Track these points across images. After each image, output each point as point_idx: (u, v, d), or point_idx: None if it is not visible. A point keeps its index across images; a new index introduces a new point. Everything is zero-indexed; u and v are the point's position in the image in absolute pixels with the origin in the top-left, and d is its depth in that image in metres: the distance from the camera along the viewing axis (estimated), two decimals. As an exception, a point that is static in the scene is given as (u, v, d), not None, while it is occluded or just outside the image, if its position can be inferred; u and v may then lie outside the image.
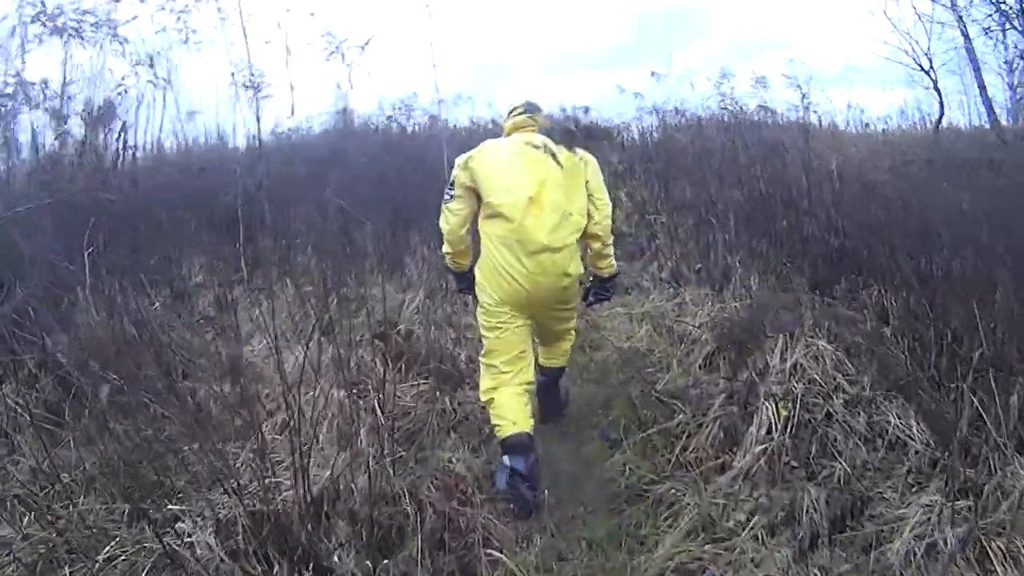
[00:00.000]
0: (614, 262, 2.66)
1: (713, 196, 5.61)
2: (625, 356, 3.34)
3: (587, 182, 2.43)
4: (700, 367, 3.20)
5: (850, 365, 2.83)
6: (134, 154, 6.23)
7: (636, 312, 3.91)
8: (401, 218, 4.87)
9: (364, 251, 4.47)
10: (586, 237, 2.50)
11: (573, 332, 2.79)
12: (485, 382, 2.45)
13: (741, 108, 7.72)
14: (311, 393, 2.55)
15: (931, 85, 9.09)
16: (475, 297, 2.52)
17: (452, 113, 8.94)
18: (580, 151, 2.48)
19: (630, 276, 4.89)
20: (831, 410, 2.53)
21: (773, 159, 6.44)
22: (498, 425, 2.35)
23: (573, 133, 2.79)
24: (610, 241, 2.59)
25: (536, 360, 2.64)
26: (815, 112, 8.11)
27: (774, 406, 2.57)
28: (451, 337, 3.60)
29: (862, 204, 4.57)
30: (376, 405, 2.56)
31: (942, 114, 9.03)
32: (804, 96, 7.64)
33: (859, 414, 2.49)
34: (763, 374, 2.86)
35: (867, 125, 9.58)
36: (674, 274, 4.75)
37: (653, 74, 7.94)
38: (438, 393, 2.83)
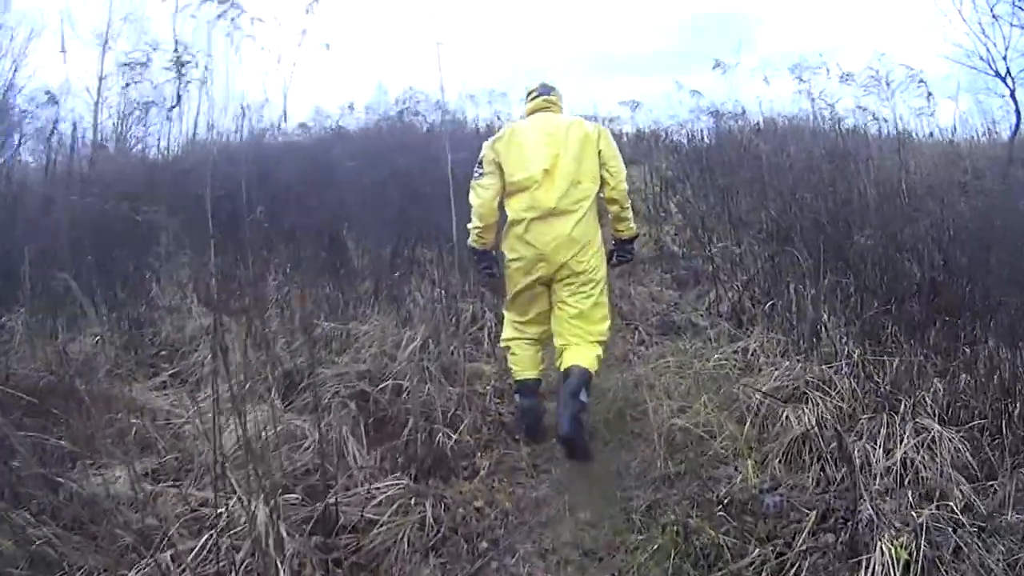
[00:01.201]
0: (633, 225, 2.85)
1: (782, 214, 4.72)
2: (676, 440, 2.48)
3: (600, 152, 2.62)
4: (780, 460, 2.34)
5: (973, 463, 2.19)
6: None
7: (691, 369, 3.03)
8: (406, 233, 4.10)
9: (359, 274, 3.72)
10: (605, 202, 2.71)
11: (604, 339, 2.73)
12: (506, 331, 2.84)
13: (830, 110, 6.54)
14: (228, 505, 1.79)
15: (1008, 93, 7.86)
16: (492, 276, 2.90)
17: (484, 110, 8.29)
18: (594, 123, 2.73)
19: (682, 310, 4.03)
20: (961, 542, 1.81)
21: (843, 171, 5.55)
22: (513, 368, 2.77)
23: None
24: (627, 204, 2.75)
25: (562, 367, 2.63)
26: (882, 119, 6.99)
27: (891, 548, 1.80)
28: (453, 395, 2.81)
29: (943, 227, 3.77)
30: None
31: (1019, 124, 7.78)
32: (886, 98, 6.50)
33: (995, 546, 1.80)
34: (864, 470, 2.14)
35: (931, 134, 8.38)
36: (736, 310, 3.87)
37: (717, 64, 6.74)
38: (413, 501, 2.03)
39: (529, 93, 2.83)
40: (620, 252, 2.91)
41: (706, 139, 7.65)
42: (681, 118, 7.93)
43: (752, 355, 3.26)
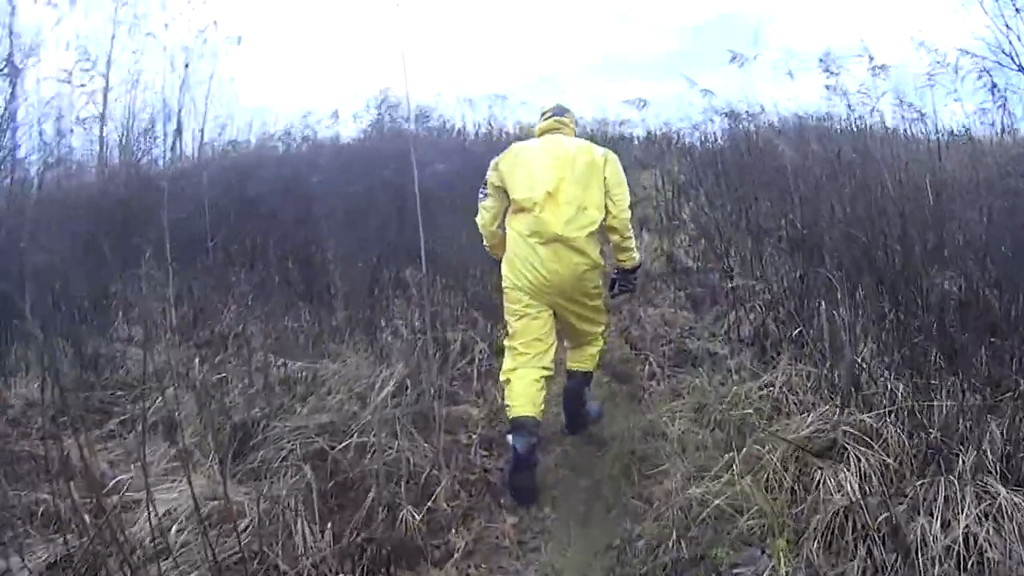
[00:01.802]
0: (635, 255, 2.76)
1: (808, 224, 4.28)
2: (692, 511, 2.05)
3: (605, 178, 2.54)
4: (817, 543, 1.91)
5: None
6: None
7: (709, 414, 2.60)
8: (389, 252, 3.71)
9: (333, 301, 3.33)
10: (606, 230, 2.60)
11: (600, 339, 2.82)
12: (506, 363, 2.57)
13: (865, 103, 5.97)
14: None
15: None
16: None
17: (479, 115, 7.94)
18: (603, 149, 2.61)
19: (698, 335, 3.59)
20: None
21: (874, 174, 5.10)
22: (508, 405, 2.46)
23: None
24: (629, 235, 2.66)
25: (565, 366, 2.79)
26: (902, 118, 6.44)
27: None
28: (428, 452, 2.41)
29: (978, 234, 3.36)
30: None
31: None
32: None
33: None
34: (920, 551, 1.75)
35: (952, 133, 7.79)
36: (759, 335, 3.43)
37: (734, 57, 6.14)
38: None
39: (543, 113, 2.80)
40: (623, 282, 2.82)
41: (720, 141, 7.17)
42: (693, 120, 7.47)
43: (780, 392, 2.82)
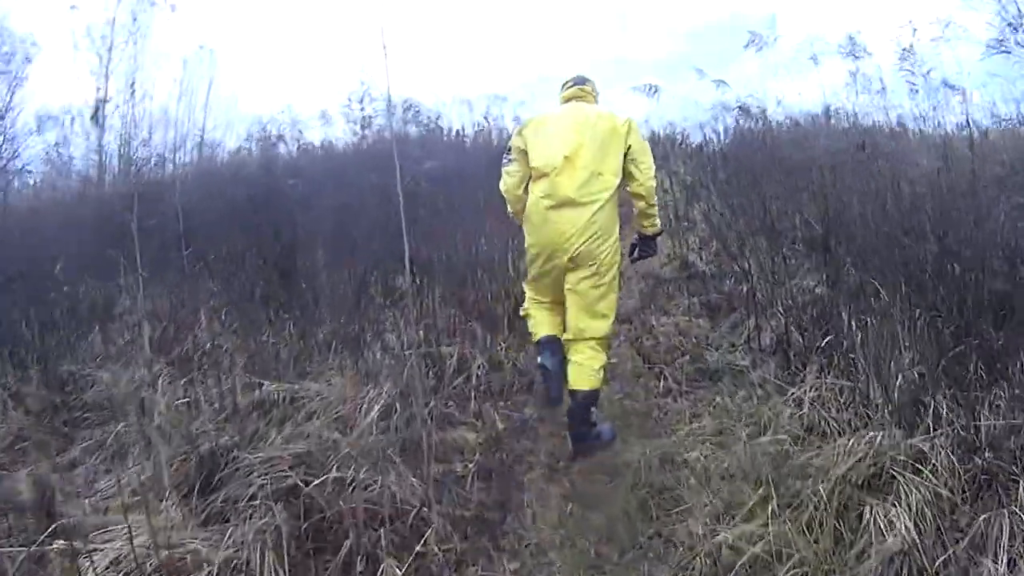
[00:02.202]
0: (658, 221, 2.79)
1: (827, 221, 4.00)
2: (722, 557, 1.77)
3: (629, 147, 2.56)
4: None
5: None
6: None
7: (734, 439, 2.31)
8: (376, 263, 3.44)
9: (313, 318, 3.05)
10: (632, 196, 2.66)
11: (604, 351, 2.66)
12: (526, 302, 2.83)
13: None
14: None
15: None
16: None
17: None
18: (625, 116, 2.62)
19: (716, 346, 3.30)
20: None
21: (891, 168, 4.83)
22: (533, 332, 2.76)
23: None
24: (654, 201, 2.70)
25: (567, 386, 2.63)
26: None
27: None
28: (416, 486, 2.13)
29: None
30: None
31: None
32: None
33: None
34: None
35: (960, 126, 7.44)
36: (781, 344, 3.14)
37: (751, 40, 5.73)
38: None
39: (564, 84, 2.80)
40: (643, 247, 2.87)
41: (732, 136, 6.89)
42: (700, 119, 7.20)
43: (810, 408, 2.54)
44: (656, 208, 2.75)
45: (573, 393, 2.55)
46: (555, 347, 2.64)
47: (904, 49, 5.34)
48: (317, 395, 2.63)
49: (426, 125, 6.74)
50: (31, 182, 5.96)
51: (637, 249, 2.87)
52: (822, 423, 2.43)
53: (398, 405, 2.57)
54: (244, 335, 2.79)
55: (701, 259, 4.45)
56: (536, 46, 16.71)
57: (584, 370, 2.56)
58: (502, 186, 2.78)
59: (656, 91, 4.44)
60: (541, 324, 2.73)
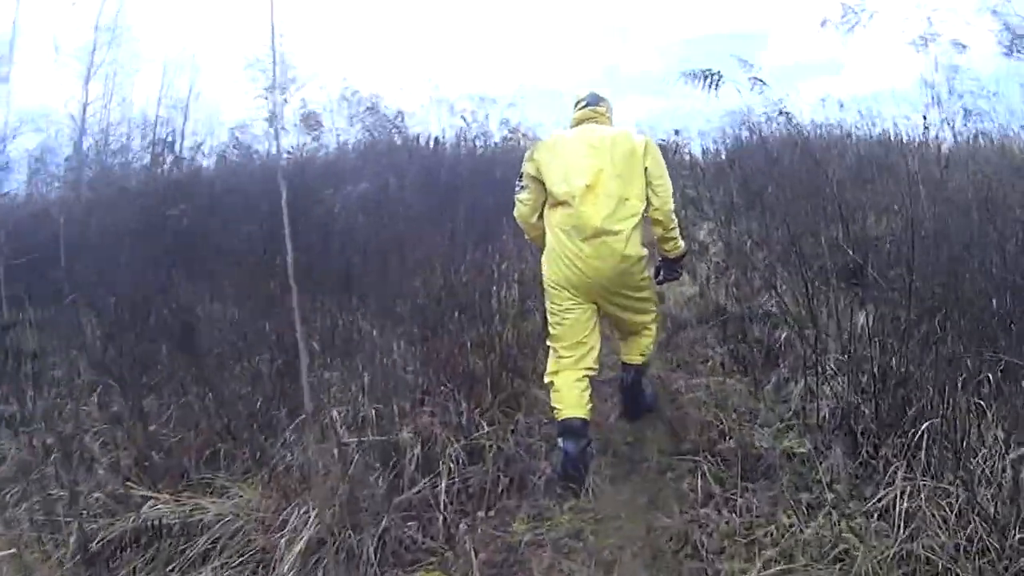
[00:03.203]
0: (680, 243, 2.65)
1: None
2: None
3: (647, 169, 2.42)
4: None
5: None
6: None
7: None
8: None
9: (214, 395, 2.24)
10: (650, 223, 2.51)
11: (653, 327, 2.68)
12: (550, 365, 2.51)
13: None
14: None
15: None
16: None
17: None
18: (641, 135, 2.49)
19: (764, 421, 2.56)
20: None
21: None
22: (556, 408, 2.42)
23: None
24: (673, 225, 2.55)
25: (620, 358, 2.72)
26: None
27: None
28: None
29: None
30: None
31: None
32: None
33: None
34: None
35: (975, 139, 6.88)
36: (846, 417, 2.42)
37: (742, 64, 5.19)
38: None
39: (577, 103, 2.65)
40: (668, 270, 2.75)
41: (747, 144, 6.22)
42: (701, 128, 6.51)
43: (905, 524, 1.83)
44: (677, 231, 2.59)
45: (627, 367, 2.64)
46: (581, 431, 2.35)
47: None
48: (217, 520, 1.83)
49: (390, 128, 5.75)
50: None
51: (662, 272, 2.74)
52: (930, 556, 1.71)
53: (335, 531, 1.79)
54: (124, 423, 1.97)
55: (721, 291, 3.71)
56: (527, 55, 16.15)
57: (637, 346, 2.62)
58: (516, 214, 2.63)
59: (718, 80, 3.43)
60: (568, 399, 2.40)
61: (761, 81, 3.48)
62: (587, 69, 17.59)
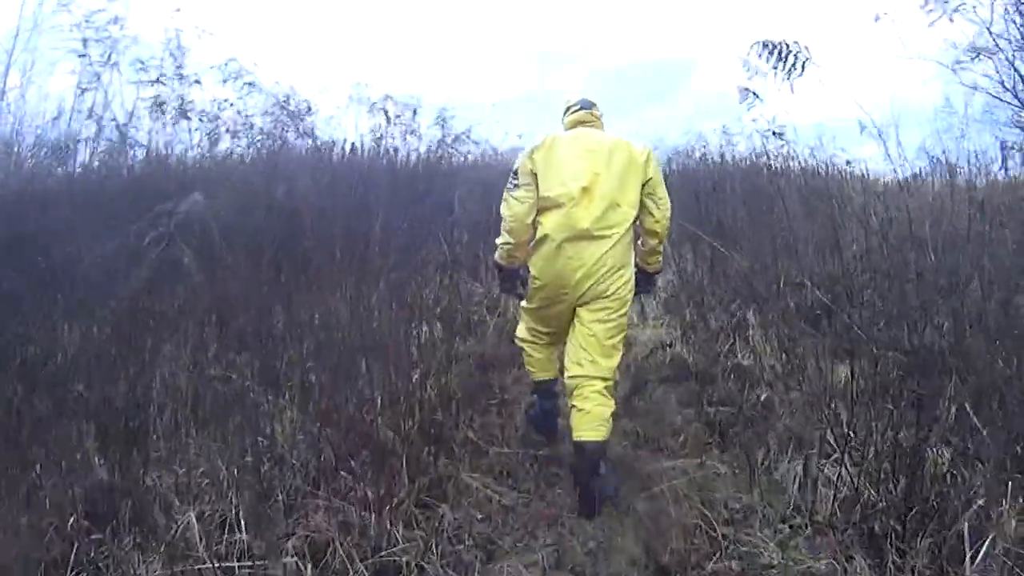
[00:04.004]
0: (660, 259, 2.58)
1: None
2: None
3: (649, 179, 2.35)
4: None
5: None
6: None
7: None
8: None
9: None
10: (645, 233, 2.45)
11: (608, 391, 2.28)
12: (520, 330, 2.58)
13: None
14: None
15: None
16: (517, 296, 2.56)
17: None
18: (642, 145, 2.41)
19: (761, 522, 1.99)
20: None
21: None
22: (530, 370, 2.59)
23: None
24: (665, 238, 2.52)
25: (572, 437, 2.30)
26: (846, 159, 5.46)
27: None
28: None
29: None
30: None
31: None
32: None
33: None
34: None
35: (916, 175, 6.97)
36: (866, 517, 1.90)
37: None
38: None
39: (569, 107, 2.57)
40: (642, 282, 2.56)
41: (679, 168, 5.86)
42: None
43: None
44: (663, 246, 2.56)
45: (581, 447, 2.21)
46: (554, 389, 2.55)
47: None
48: None
49: (291, 128, 4.83)
50: None
51: (638, 283, 2.54)
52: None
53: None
54: None
55: (680, 341, 3.18)
56: (448, 78, 15.55)
57: (594, 419, 2.24)
58: (506, 212, 2.37)
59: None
60: (538, 364, 2.56)
61: (754, 93, 3.00)
62: (512, 89, 17.27)
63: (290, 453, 2.13)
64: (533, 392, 2.61)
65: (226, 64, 4.60)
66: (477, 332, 3.41)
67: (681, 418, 2.56)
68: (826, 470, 2.14)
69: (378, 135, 4.79)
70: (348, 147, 5.31)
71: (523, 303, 2.50)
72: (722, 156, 5.43)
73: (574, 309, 2.35)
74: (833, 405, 2.44)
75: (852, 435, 2.28)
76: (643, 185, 2.32)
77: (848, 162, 5.23)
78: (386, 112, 4.63)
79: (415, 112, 4.89)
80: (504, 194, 2.38)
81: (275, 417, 2.24)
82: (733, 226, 4.40)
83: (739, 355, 3.11)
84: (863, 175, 5.47)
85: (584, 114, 2.50)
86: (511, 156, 5.73)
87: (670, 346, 3.12)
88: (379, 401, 2.34)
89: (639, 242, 2.47)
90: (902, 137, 6.15)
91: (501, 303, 3.63)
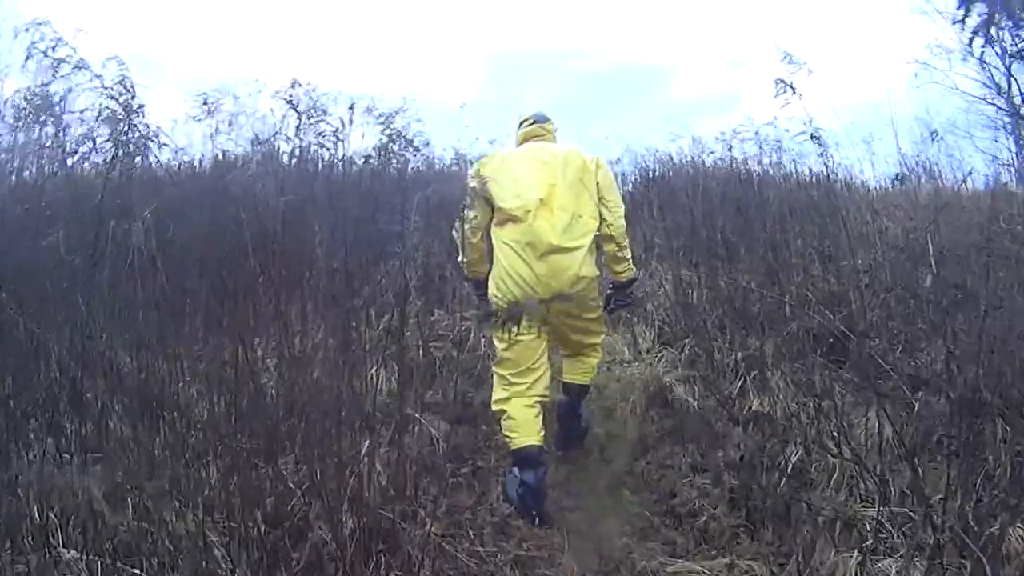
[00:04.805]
0: (632, 266, 2.52)
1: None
2: None
3: (598, 184, 2.36)
4: None
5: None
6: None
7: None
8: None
9: None
10: (601, 240, 2.40)
11: (599, 348, 2.55)
12: (497, 392, 2.33)
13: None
14: None
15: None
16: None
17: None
18: (591, 153, 2.44)
19: None
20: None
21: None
22: (509, 437, 2.24)
23: None
24: (625, 243, 2.45)
25: (561, 378, 2.51)
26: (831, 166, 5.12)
27: None
28: None
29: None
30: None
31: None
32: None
33: None
34: None
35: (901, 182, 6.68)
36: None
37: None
38: None
39: (523, 121, 2.56)
40: (618, 297, 2.55)
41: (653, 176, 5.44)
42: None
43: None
44: (628, 251, 2.47)
45: (567, 387, 2.43)
46: (538, 459, 2.17)
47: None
48: None
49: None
50: None
51: (613, 300, 2.56)
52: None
53: None
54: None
55: (688, 384, 2.69)
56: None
57: (583, 365, 2.44)
58: (456, 234, 2.41)
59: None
60: (520, 428, 2.20)
61: (792, 88, 2.60)
62: (484, 93, 16.94)
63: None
64: (513, 465, 2.18)
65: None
66: (442, 373, 2.87)
67: (696, 492, 2.05)
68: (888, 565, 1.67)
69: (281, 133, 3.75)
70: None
71: (494, 366, 2.34)
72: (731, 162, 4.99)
73: (546, 330, 2.30)
74: (880, 471, 1.99)
75: (912, 515, 1.84)
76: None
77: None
78: (291, 102, 3.44)
79: (352, 110, 3.65)
80: (458, 218, 2.36)
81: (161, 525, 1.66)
82: (729, 241, 3.96)
83: (752, 396, 2.65)
84: (848, 181, 5.12)
85: (536, 128, 2.50)
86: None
87: (671, 390, 2.62)
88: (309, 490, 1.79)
89: (603, 254, 2.43)
90: (882, 142, 5.89)
91: (471, 337, 3.09)
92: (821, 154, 3.16)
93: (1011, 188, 6.13)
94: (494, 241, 2.33)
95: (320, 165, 3.91)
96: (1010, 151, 7.77)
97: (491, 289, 2.33)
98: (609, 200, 2.35)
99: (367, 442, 1.90)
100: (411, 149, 3.42)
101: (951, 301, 3.51)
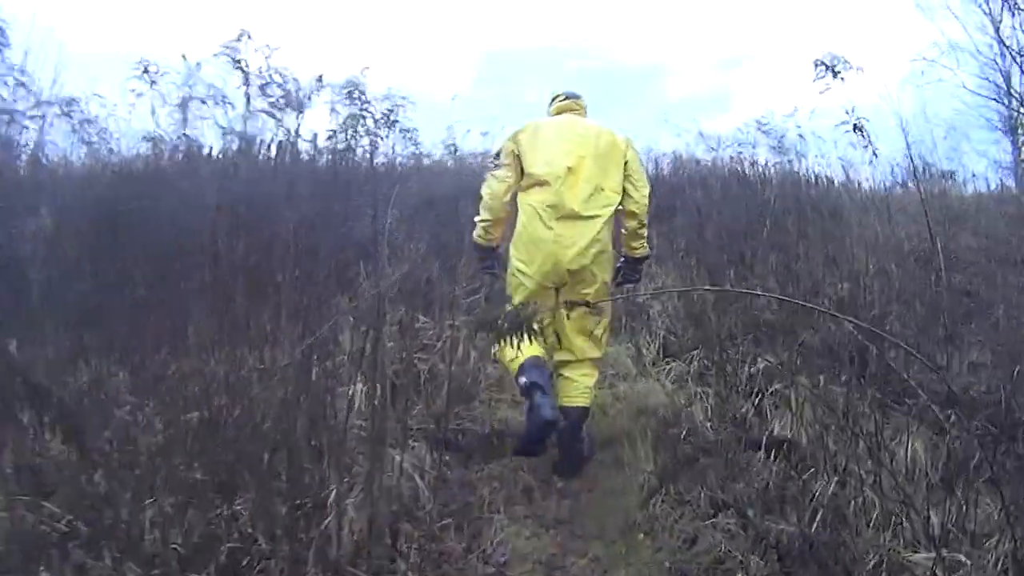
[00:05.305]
0: (646, 245, 2.60)
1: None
2: None
3: (627, 162, 2.44)
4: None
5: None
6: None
7: None
8: None
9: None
10: (624, 215, 2.49)
11: (597, 366, 2.47)
12: (507, 352, 2.28)
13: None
14: None
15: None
16: (494, 276, 2.61)
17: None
18: (623, 134, 2.49)
19: None
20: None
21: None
22: (515, 359, 2.26)
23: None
24: (646, 221, 2.53)
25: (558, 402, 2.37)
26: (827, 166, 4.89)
27: None
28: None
29: None
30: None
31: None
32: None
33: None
34: None
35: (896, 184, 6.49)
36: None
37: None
38: None
39: (555, 97, 2.64)
40: (628, 271, 2.62)
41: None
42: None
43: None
44: (646, 230, 2.53)
45: (566, 411, 2.33)
46: (542, 362, 2.25)
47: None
48: None
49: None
50: None
51: (621, 273, 2.60)
52: None
53: None
54: None
55: (700, 402, 2.43)
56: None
57: (579, 386, 2.39)
58: (485, 191, 2.46)
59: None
60: (525, 351, 2.13)
61: (834, 72, 2.40)
62: (477, 87, 16.63)
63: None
64: (518, 376, 2.22)
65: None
66: (427, 390, 2.59)
67: (720, 534, 1.79)
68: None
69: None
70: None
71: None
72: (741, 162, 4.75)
73: (559, 293, 2.31)
74: (927, 512, 1.74)
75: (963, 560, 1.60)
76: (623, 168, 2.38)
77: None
78: (243, 68, 2.91)
79: (320, 81, 3.23)
80: (487, 175, 2.46)
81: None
82: (743, 245, 3.70)
83: (770, 415, 2.41)
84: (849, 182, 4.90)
85: (570, 102, 2.57)
86: (472, 160, 4.89)
87: (682, 410, 2.36)
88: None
89: (622, 228, 2.49)
90: (882, 141, 5.70)
91: (460, 349, 2.79)
92: (866, 146, 2.91)
93: (1012, 190, 6.02)
94: (519, 204, 2.40)
95: (273, 148, 3.40)
96: (1007, 152, 7.64)
97: (512, 253, 2.40)
98: (637, 178, 2.43)
99: (334, 488, 1.62)
100: (387, 127, 3.02)
101: (965, 310, 3.34)
